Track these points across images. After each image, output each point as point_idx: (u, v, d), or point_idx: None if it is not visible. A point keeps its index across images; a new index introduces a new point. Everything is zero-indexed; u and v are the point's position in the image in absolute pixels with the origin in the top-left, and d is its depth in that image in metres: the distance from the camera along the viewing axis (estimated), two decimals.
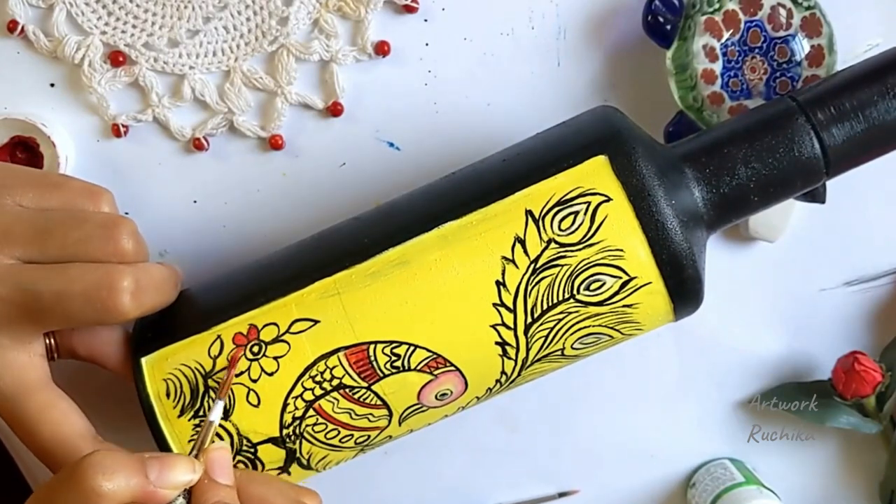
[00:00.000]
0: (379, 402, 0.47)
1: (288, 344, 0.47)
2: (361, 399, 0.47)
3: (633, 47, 0.55)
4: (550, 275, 0.45)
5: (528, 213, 0.46)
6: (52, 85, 0.55)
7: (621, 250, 0.45)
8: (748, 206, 0.48)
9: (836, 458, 0.62)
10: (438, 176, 0.51)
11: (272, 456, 0.48)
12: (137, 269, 0.46)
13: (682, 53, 0.52)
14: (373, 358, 0.46)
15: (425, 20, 0.55)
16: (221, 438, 0.47)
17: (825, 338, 0.60)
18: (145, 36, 0.54)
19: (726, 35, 0.52)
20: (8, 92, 0.55)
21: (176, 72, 0.55)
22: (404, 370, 0.46)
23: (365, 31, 0.54)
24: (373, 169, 0.56)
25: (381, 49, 0.54)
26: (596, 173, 0.46)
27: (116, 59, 0.54)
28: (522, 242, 0.46)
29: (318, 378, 0.46)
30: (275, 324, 0.47)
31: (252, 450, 0.47)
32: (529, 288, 0.46)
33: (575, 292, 0.46)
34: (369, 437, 0.49)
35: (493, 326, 0.46)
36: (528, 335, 0.46)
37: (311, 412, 0.47)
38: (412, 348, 0.46)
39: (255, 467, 0.48)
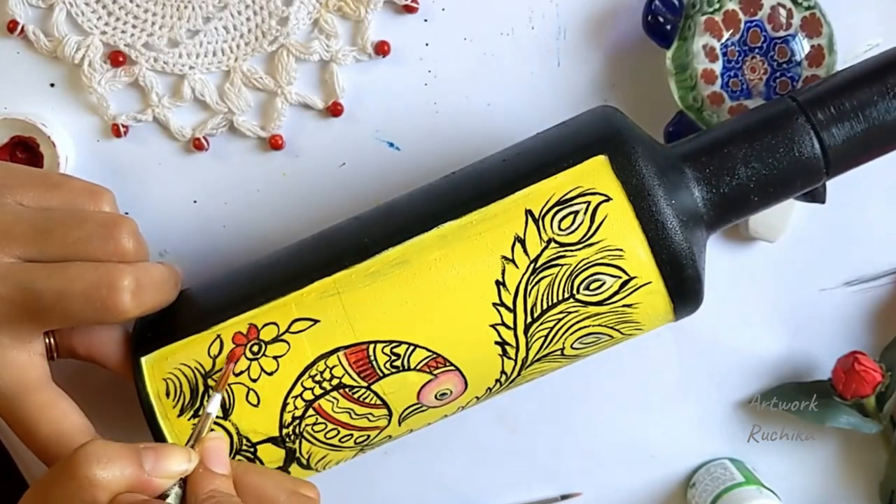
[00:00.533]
0: (378, 402, 0.47)
1: (287, 343, 0.47)
2: (361, 399, 0.47)
3: (633, 47, 0.55)
4: (550, 274, 0.45)
5: (528, 212, 0.46)
6: (52, 85, 0.55)
7: (621, 250, 0.45)
8: (748, 206, 0.48)
9: (836, 458, 0.62)
10: (438, 176, 0.51)
11: (272, 455, 0.48)
12: (138, 269, 0.46)
13: (682, 53, 0.52)
14: (372, 357, 0.46)
15: (425, 20, 0.55)
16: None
17: (825, 338, 0.60)
18: (145, 36, 0.54)
19: (726, 35, 0.52)
20: (8, 92, 0.55)
21: (176, 72, 0.55)
22: (404, 370, 0.46)
23: (365, 31, 0.54)
24: (373, 169, 0.56)
25: (381, 49, 0.54)
26: (596, 173, 0.46)
27: (116, 59, 0.54)
28: (522, 242, 0.46)
29: (318, 378, 0.46)
30: (274, 323, 0.47)
31: (252, 449, 0.47)
32: (529, 287, 0.46)
33: (575, 292, 0.46)
34: (369, 436, 0.49)
35: (493, 326, 0.46)
36: (528, 335, 0.46)
37: (310, 412, 0.47)
38: (412, 348, 0.46)
39: None
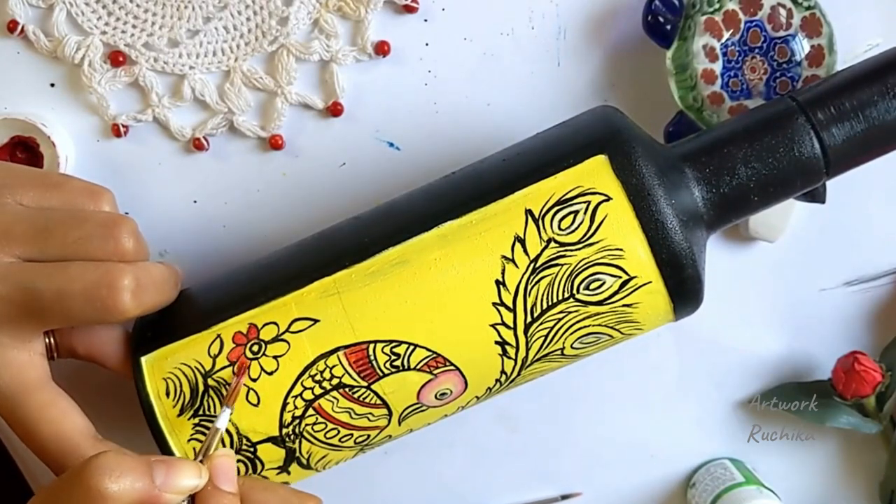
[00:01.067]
0: (378, 402, 0.47)
1: (288, 343, 0.47)
2: (361, 398, 0.47)
3: (633, 47, 0.55)
4: (550, 274, 0.45)
5: (528, 212, 0.46)
6: (52, 85, 0.55)
7: (621, 250, 0.45)
8: (748, 206, 0.48)
9: (836, 458, 0.62)
10: (438, 176, 0.51)
11: (271, 455, 0.48)
12: (138, 268, 0.46)
13: (682, 53, 0.52)
14: (372, 357, 0.46)
15: (425, 20, 0.55)
16: (223, 442, 0.47)
17: (825, 338, 0.60)
18: (145, 36, 0.54)
19: (726, 35, 0.52)
20: (8, 92, 0.55)
21: (176, 72, 0.55)
22: (404, 369, 0.46)
23: (365, 31, 0.54)
24: (373, 169, 0.56)
25: (381, 49, 0.54)
26: (596, 172, 0.46)
27: (116, 59, 0.54)
28: (522, 242, 0.46)
29: (318, 377, 0.46)
30: (275, 323, 0.47)
31: (251, 449, 0.47)
32: (529, 287, 0.45)
33: (575, 292, 0.46)
34: (369, 436, 0.48)
35: (493, 326, 0.46)
36: (528, 335, 0.46)
37: (310, 411, 0.47)
38: (412, 347, 0.46)
39: (254, 467, 0.48)
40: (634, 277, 0.46)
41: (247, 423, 0.47)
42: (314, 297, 0.47)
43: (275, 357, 0.47)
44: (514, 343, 0.46)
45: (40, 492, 0.41)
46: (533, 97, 0.56)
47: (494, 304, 0.46)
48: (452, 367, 0.47)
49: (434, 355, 0.46)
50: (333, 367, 0.46)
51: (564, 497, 0.62)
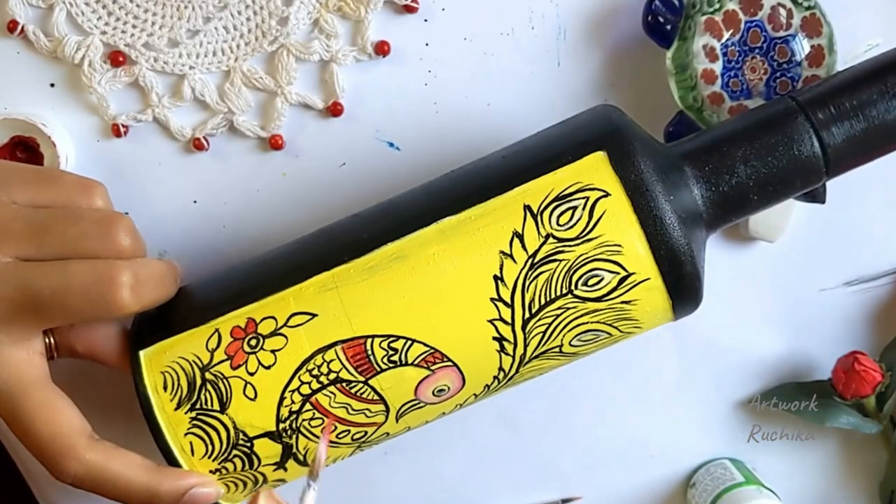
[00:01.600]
0: (376, 397, 0.47)
1: (285, 337, 0.47)
2: (358, 394, 0.47)
3: (633, 47, 0.55)
4: (548, 270, 0.45)
5: (527, 208, 0.46)
6: (52, 85, 0.55)
7: (619, 245, 0.45)
8: (747, 205, 0.48)
9: (836, 458, 0.62)
10: (438, 176, 0.51)
11: (268, 451, 0.48)
12: (136, 264, 0.46)
13: (682, 53, 0.52)
14: (370, 352, 0.46)
15: (425, 20, 0.55)
16: (225, 440, 0.47)
17: (825, 338, 0.60)
18: (145, 36, 0.54)
19: (726, 35, 0.52)
20: (8, 92, 0.55)
21: (176, 72, 0.55)
22: (401, 364, 0.46)
23: (365, 31, 0.54)
24: (373, 169, 0.56)
25: (381, 49, 0.54)
26: (594, 169, 0.46)
27: (116, 59, 0.54)
28: (521, 237, 0.46)
29: (316, 372, 0.46)
30: (273, 317, 0.47)
31: (248, 444, 0.47)
32: (527, 283, 0.45)
33: (573, 287, 0.46)
34: (366, 433, 0.48)
35: (491, 321, 0.46)
36: (526, 331, 0.46)
37: (307, 406, 0.47)
38: (409, 342, 0.46)
39: (251, 462, 0.48)
40: (633, 274, 0.46)
41: (244, 417, 0.47)
42: (312, 291, 0.47)
43: (272, 351, 0.47)
44: (511, 339, 0.46)
45: None
46: (533, 97, 0.56)
47: (492, 299, 0.46)
48: (450, 363, 0.47)
49: (431, 351, 0.46)
50: (331, 361, 0.46)
51: (565, 501, 0.62)
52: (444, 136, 0.56)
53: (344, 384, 0.47)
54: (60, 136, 0.54)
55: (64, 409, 0.47)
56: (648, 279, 0.46)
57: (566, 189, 0.46)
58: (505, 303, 0.46)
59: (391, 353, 0.46)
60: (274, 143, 0.55)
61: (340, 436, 0.48)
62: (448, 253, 0.46)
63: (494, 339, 0.46)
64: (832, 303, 0.60)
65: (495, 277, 0.46)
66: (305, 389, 0.47)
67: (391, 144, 0.56)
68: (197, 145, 0.56)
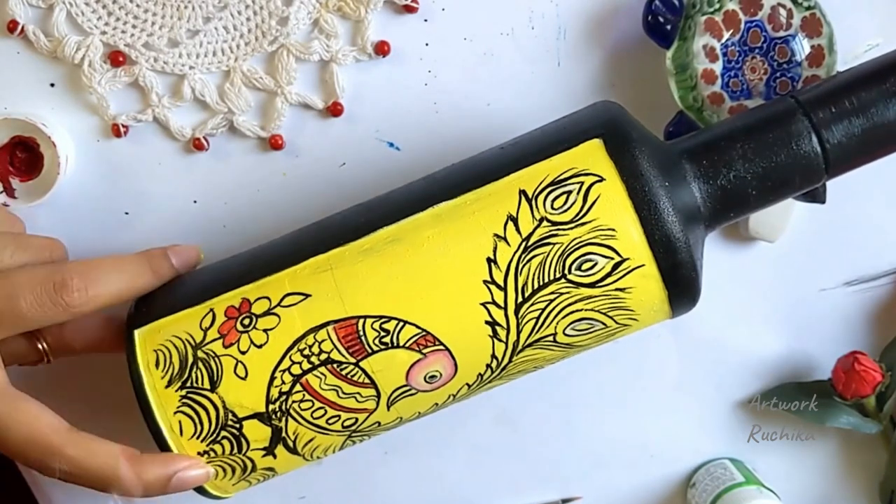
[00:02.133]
0: (367, 381, 0.47)
1: (278, 317, 0.47)
2: (349, 376, 0.47)
3: (633, 47, 0.55)
4: (542, 253, 0.45)
5: (522, 192, 0.46)
6: (52, 85, 0.55)
7: (613, 230, 0.45)
8: (746, 202, 0.48)
9: (836, 458, 0.62)
10: None
11: (257, 433, 0.47)
12: (83, 264, 0.47)
13: (683, 53, 0.52)
14: (361, 332, 0.46)
15: (425, 20, 0.55)
16: (214, 419, 0.47)
17: (825, 338, 0.60)
18: (145, 36, 0.54)
19: (726, 35, 0.52)
20: (8, 92, 0.55)
21: (176, 72, 0.55)
22: (393, 346, 0.46)
23: (365, 31, 0.54)
24: (373, 169, 0.56)
25: (381, 49, 0.54)
26: (590, 154, 0.46)
27: (116, 59, 0.54)
28: (515, 221, 0.46)
29: (307, 351, 0.46)
30: (267, 297, 0.47)
31: (237, 425, 0.47)
32: (521, 265, 0.45)
33: (566, 272, 0.45)
34: (357, 420, 0.48)
35: (484, 304, 0.46)
36: (519, 316, 0.46)
37: (297, 387, 0.47)
38: (401, 324, 0.46)
39: (239, 445, 0.48)
40: (627, 259, 0.45)
41: (233, 396, 0.47)
42: (308, 272, 0.47)
43: (265, 330, 0.47)
44: (504, 324, 0.46)
45: None
46: (533, 97, 0.56)
47: (485, 281, 0.46)
48: (442, 347, 0.46)
49: (423, 333, 0.46)
50: (322, 341, 0.46)
51: (565, 501, 0.62)
52: (444, 136, 0.56)
53: (335, 365, 0.46)
54: (60, 137, 0.54)
55: (33, 411, 0.47)
56: (643, 265, 0.45)
57: (561, 174, 0.46)
58: (498, 286, 0.46)
59: (383, 334, 0.46)
60: (274, 143, 0.55)
61: (330, 421, 0.48)
62: (442, 236, 0.46)
63: (487, 322, 0.46)
64: (832, 303, 0.60)
65: (489, 260, 0.46)
66: (296, 370, 0.47)
67: (391, 144, 0.56)
68: (197, 145, 0.56)
